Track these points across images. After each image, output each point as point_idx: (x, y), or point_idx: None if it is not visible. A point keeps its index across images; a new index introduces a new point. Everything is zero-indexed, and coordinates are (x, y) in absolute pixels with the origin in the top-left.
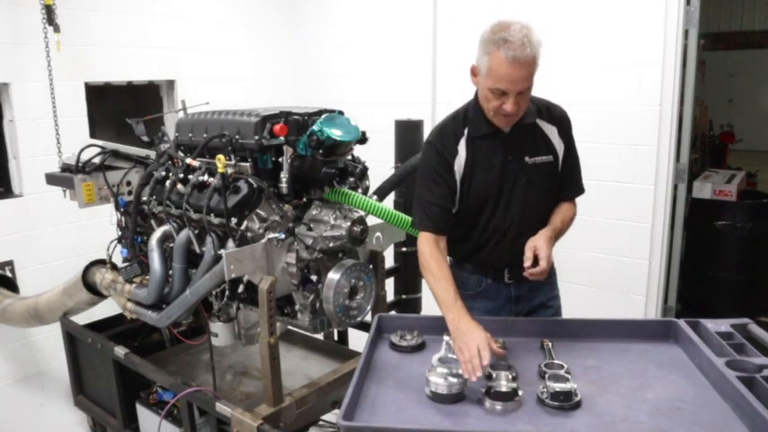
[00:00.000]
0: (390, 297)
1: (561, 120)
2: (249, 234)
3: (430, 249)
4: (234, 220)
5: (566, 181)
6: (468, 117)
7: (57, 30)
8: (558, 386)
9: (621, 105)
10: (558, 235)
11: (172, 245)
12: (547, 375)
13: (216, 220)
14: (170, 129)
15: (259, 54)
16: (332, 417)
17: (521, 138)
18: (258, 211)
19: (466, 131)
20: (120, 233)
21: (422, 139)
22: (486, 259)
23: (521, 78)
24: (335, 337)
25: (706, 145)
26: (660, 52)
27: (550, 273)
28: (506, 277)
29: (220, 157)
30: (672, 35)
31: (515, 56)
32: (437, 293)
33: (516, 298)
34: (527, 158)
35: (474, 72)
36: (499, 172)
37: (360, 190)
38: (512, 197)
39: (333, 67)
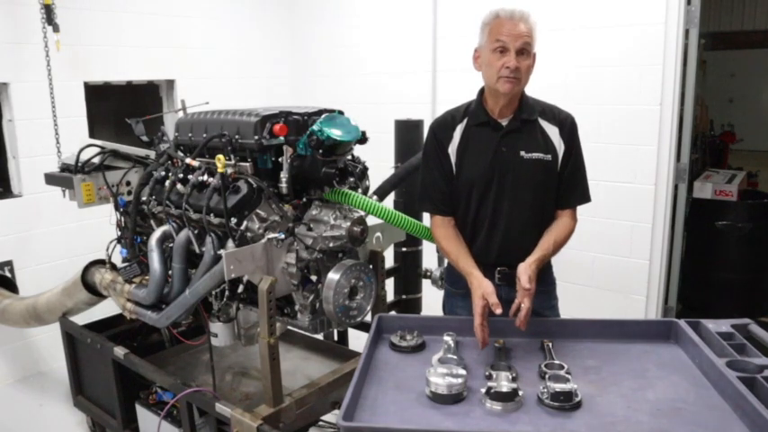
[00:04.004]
0: (390, 297)
1: (564, 122)
2: (249, 234)
3: (438, 230)
4: (234, 220)
5: (567, 186)
6: (470, 108)
7: (56, 29)
8: (559, 386)
9: (622, 105)
10: (547, 259)
11: (171, 245)
12: (547, 376)
13: (215, 220)
14: (169, 128)
15: (259, 54)
16: (332, 417)
17: (518, 132)
18: (258, 211)
19: (465, 120)
20: (119, 233)
21: (422, 139)
22: (477, 254)
23: (519, 33)
24: (335, 338)
25: (706, 145)
26: (661, 52)
27: (548, 281)
28: (497, 278)
29: (220, 156)
30: (672, 35)
31: (513, 12)
32: (455, 267)
33: (507, 301)
34: (523, 153)
35: (476, 56)
36: (491, 161)
37: (360, 190)
38: (503, 188)
39: (333, 67)
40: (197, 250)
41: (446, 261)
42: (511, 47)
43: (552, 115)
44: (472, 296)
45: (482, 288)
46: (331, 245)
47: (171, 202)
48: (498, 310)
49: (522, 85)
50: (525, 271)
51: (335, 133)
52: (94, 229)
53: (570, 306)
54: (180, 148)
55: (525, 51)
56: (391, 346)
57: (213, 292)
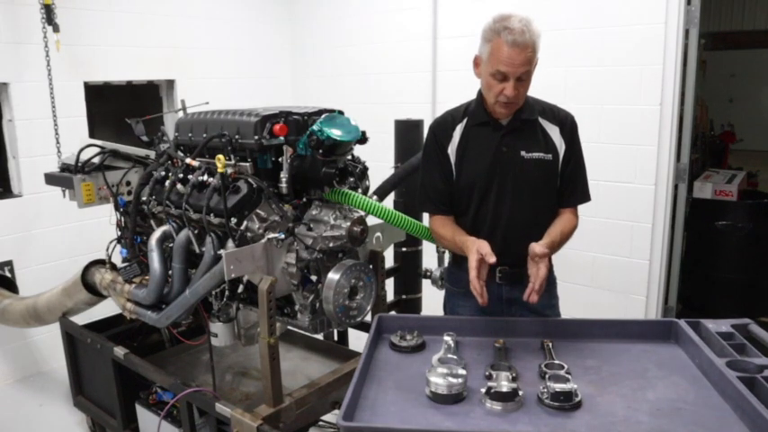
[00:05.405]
0: (390, 297)
1: (564, 121)
2: (249, 234)
3: (436, 225)
4: (233, 220)
5: (568, 186)
6: (470, 108)
7: (56, 29)
8: (559, 386)
9: (622, 105)
10: (555, 248)
11: (171, 245)
12: (547, 376)
13: (215, 220)
14: (169, 128)
15: (259, 54)
16: (332, 417)
17: (519, 132)
18: (258, 211)
19: (465, 120)
20: (119, 233)
21: (422, 138)
22: None
23: (521, 62)
24: (335, 338)
25: (706, 145)
26: (661, 52)
27: (549, 280)
28: (497, 277)
29: (220, 156)
30: (672, 35)
31: (515, 39)
32: (456, 250)
33: (508, 300)
34: (523, 153)
35: (476, 62)
36: (491, 161)
37: (360, 190)
38: (504, 189)
39: (333, 67)
40: (197, 250)
41: (446, 261)
42: (510, 76)
43: (553, 115)
44: (468, 254)
45: (476, 245)
46: (331, 245)
47: (171, 202)
48: (492, 259)
49: (518, 106)
50: (539, 244)
51: (335, 133)
52: (94, 229)
53: (570, 306)
54: (180, 148)
55: (524, 76)
56: (391, 346)
57: (213, 292)
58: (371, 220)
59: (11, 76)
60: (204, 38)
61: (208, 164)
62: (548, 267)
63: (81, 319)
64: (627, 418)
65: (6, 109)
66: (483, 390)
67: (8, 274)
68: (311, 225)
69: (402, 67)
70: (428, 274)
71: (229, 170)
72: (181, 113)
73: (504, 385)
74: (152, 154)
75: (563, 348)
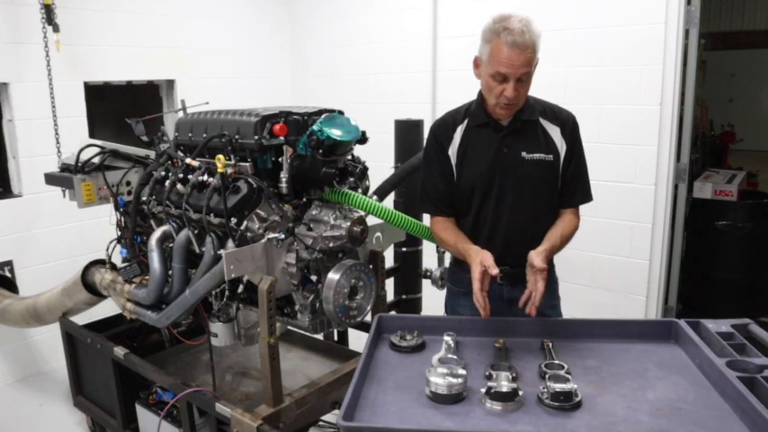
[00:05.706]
0: (390, 297)
1: (566, 121)
2: (249, 234)
3: (437, 228)
4: (233, 220)
5: (570, 186)
6: (471, 109)
7: (56, 29)
8: (559, 386)
9: (622, 105)
10: (555, 252)
11: (171, 245)
12: (547, 376)
13: (215, 220)
14: (169, 128)
15: (259, 54)
16: (332, 417)
17: (519, 132)
18: (258, 211)
19: (466, 121)
20: (119, 233)
21: (422, 138)
22: None
23: (521, 63)
24: (335, 338)
25: (706, 145)
26: (661, 52)
27: (551, 280)
28: (498, 278)
29: (220, 156)
30: (672, 35)
31: (515, 40)
32: (458, 256)
33: (509, 300)
34: (524, 153)
35: (476, 63)
36: (491, 162)
37: (360, 190)
38: (505, 189)
39: (333, 67)
40: (197, 250)
41: (447, 261)
42: (510, 77)
43: (554, 115)
44: (471, 265)
45: (480, 256)
46: (331, 245)
47: (171, 202)
48: (495, 272)
49: (518, 107)
50: (538, 255)
51: (335, 133)
52: (94, 229)
53: (570, 306)
54: (180, 148)
55: (525, 77)
56: (391, 346)
57: (213, 292)
58: (371, 220)
59: (11, 76)
60: (204, 38)
61: (208, 164)
62: (546, 281)
63: (81, 319)
64: (627, 418)
65: (6, 109)
66: (483, 390)
67: (8, 274)
68: (311, 225)
69: (402, 67)
70: (428, 274)
71: (229, 170)
72: (181, 113)
73: (504, 385)
74: (152, 154)
75: (563, 348)
